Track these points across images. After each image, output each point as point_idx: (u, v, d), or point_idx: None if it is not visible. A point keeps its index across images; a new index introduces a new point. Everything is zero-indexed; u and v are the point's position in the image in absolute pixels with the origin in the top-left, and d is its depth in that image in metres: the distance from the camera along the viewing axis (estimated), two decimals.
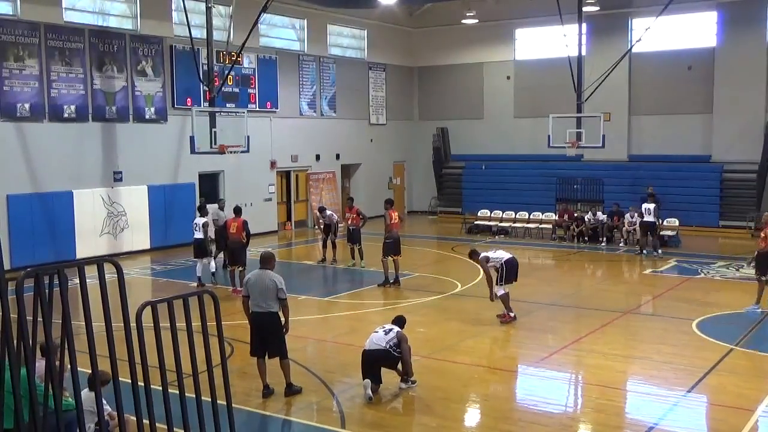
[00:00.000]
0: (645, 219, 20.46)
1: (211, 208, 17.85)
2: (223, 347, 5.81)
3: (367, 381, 9.21)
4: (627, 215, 22.36)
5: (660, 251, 20.46)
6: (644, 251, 20.45)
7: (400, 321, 9.89)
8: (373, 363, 9.36)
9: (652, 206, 20.40)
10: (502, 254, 13.22)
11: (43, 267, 4.99)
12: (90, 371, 5.15)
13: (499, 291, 13.05)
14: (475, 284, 16.01)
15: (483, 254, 13.33)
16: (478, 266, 14.15)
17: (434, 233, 26.72)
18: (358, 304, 15.03)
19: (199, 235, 16.44)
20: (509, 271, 13.03)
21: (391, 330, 9.52)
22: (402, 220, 18.65)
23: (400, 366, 9.57)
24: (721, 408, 9.15)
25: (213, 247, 17.42)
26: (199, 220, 16.62)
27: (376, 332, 9.55)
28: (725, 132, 25.65)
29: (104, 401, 6.05)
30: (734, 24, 25.38)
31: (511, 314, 13.02)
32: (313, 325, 13.39)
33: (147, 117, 21.68)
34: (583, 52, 25.03)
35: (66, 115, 19.63)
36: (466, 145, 30.80)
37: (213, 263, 16.82)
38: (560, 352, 11.37)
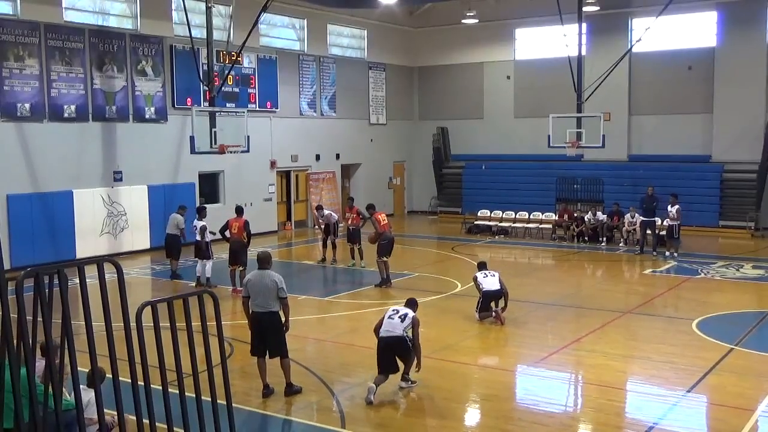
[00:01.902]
0: (671, 222, 20.13)
1: (176, 217, 17.69)
2: (223, 347, 5.82)
3: (372, 386, 9.16)
4: (627, 215, 22.35)
5: (666, 252, 20.34)
6: (673, 252, 20.14)
7: (412, 304, 9.81)
8: (390, 351, 9.28)
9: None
10: (489, 284, 13.14)
11: (43, 267, 4.99)
12: (88, 370, 5.16)
13: (475, 316, 13.14)
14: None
15: (477, 274, 13.53)
16: None
17: (434, 233, 26.72)
18: (358, 304, 15.02)
19: (197, 237, 16.43)
20: (484, 301, 13.09)
21: (406, 316, 9.41)
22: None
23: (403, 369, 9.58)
24: (721, 408, 9.15)
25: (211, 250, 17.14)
26: (197, 223, 16.60)
27: (391, 318, 9.42)
28: (725, 132, 25.64)
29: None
30: (734, 24, 25.38)
31: (492, 313, 13.03)
32: (312, 324, 13.39)
33: (147, 117, 21.68)
34: (583, 52, 24.99)
35: (66, 115, 19.63)
36: (466, 145, 30.80)
37: (207, 266, 16.56)
38: (560, 352, 11.37)
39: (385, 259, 16.33)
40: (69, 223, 19.64)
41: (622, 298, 15.81)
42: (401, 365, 9.50)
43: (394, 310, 9.60)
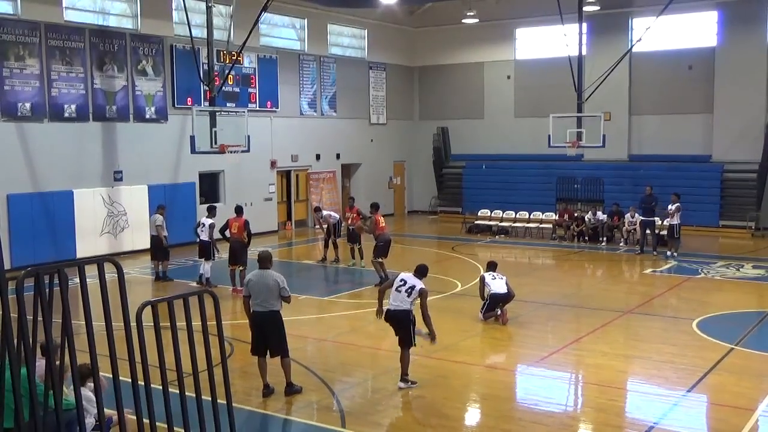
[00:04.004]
0: (672, 222, 20.07)
1: (154, 217, 17.64)
2: (224, 346, 5.82)
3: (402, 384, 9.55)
4: (627, 215, 22.35)
5: (667, 252, 20.28)
6: (674, 252, 20.08)
7: (422, 272, 9.93)
8: (394, 324, 9.58)
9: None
10: (496, 286, 13.18)
11: (43, 266, 5.00)
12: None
13: (479, 316, 13.16)
14: (475, 284, 15.97)
15: (485, 274, 13.57)
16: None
17: (434, 233, 26.72)
18: (358, 303, 15.03)
19: (204, 236, 16.46)
20: (491, 303, 13.11)
21: (413, 289, 9.56)
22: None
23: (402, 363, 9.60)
24: (722, 407, 9.15)
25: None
26: (206, 221, 16.61)
27: (398, 291, 9.61)
28: (725, 132, 25.64)
29: (92, 401, 6.06)
30: (734, 24, 25.38)
31: (498, 312, 13.08)
32: (313, 324, 13.40)
33: (147, 116, 21.69)
34: (584, 52, 25.01)
35: (66, 115, 19.63)
36: (467, 145, 30.80)
37: (206, 266, 16.58)
38: (560, 352, 11.37)
39: (381, 260, 16.41)
40: (69, 223, 19.65)
41: (623, 297, 15.81)
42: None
43: (401, 281, 9.70)
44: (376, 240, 16.76)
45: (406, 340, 9.60)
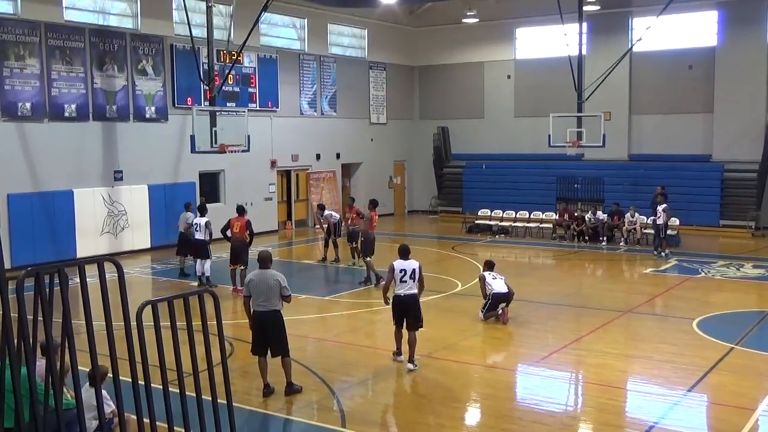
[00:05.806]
0: (658, 221, 20.09)
1: (187, 215, 17.73)
2: (224, 346, 5.82)
3: (399, 358, 10.43)
4: (627, 215, 22.35)
5: (666, 252, 20.27)
6: (663, 252, 20.13)
7: (407, 252, 10.46)
8: (404, 307, 10.21)
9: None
10: (498, 286, 13.20)
11: (43, 266, 5.00)
12: (90, 368, 5.17)
13: (479, 316, 13.17)
14: (476, 284, 15.97)
15: (485, 274, 13.58)
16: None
17: (434, 233, 26.71)
18: (359, 303, 15.02)
19: (200, 235, 16.43)
20: (493, 303, 13.12)
21: (414, 271, 10.19)
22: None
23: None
24: (722, 407, 9.15)
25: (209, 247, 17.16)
26: (200, 220, 16.58)
27: (404, 282, 10.18)
28: (725, 131, 25.64)
29: (108, 398, 6.07)
30: (735, 23, 25.38)
31: (499, 312, 13.08)
32: (313, 324, 13.39)
33: (147, 116, 21.69)
34: (584, 52, 25.00)
35: (67, 115, 19.63)
36: (467, 145, 30.80)
37: (205, 265, 16.58)
38: (561, 352, 11.37)
39: (369, 258, 16.49)
40: (69, 223, 19.65)
41: (623, 297, 15.80)
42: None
43: (402, 271, 10.25)
44: (362, 235, 16.99)
45: (415, 323, 10.22)
